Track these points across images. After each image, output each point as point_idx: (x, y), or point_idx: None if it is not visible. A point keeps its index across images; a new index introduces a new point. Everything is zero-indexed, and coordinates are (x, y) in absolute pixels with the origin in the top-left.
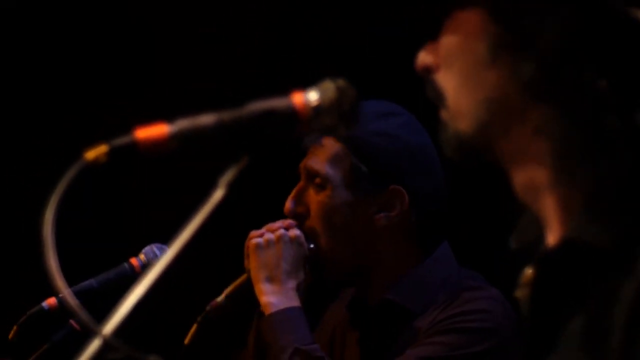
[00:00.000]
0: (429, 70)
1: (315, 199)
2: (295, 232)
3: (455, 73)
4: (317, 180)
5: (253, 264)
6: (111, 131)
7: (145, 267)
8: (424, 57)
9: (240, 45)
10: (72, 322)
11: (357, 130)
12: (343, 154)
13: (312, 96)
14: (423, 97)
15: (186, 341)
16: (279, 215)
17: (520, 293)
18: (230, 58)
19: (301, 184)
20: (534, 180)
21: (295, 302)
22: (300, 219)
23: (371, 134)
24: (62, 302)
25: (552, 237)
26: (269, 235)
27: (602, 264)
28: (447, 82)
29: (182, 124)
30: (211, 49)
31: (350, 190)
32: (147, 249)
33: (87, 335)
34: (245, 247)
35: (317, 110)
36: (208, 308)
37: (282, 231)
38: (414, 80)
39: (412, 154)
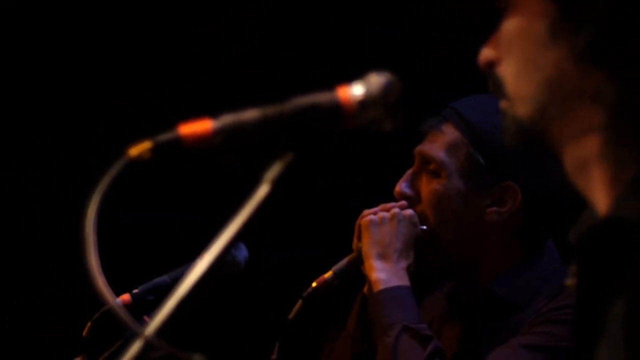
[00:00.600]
0: (492, 65)
1: (428, 185)
2: (409, 212)
3: (515, 59)
4: (432, 166)
5: (365, 240)
6: (111, 132)
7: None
8: (486, 53)
9: (240, 46)
10: (145, 318)
11: (477, 122)
12: (461, 143)
13: (358, 90)
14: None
15: (290, 316)
16: (389, 198)
17: (570, 282)
18: (231, 58)
19: (415, 168)
20: (585, 156)
21: (406, 281)
22: (411, 202)
23: (491, 127)
24: (136, 298)
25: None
26: (384, 213)
27: None
28: (508, 70)
29: (226, 119)
30: (212, 49)
31: (464, 181)
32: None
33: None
34: (356, 226)
35: (363, 104)
36: (315, 284)
37: (396, 210)
38: (414, 79)
39: (530, 154)
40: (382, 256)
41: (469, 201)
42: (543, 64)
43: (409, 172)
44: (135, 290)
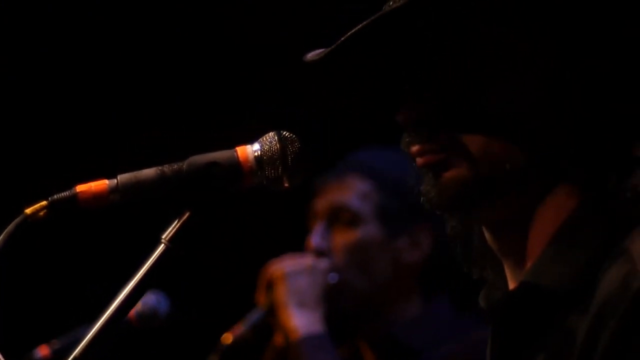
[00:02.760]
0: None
1: (342, 235)
2: (323, 262)
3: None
4: (346, 216)
5: (282, 290)
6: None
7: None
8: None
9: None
10: None
11: (386, 169)
12: (372, 191)
13: (256, 148)
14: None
15: None
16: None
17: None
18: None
19: (324, 220)
20: (517, 220)
21: (324, 329)
22: (323, 254)
23: (399, 172)
24: (56, 351)
25: (514, 284)
26: (300, 264)
27: (559, 306)
28: (476, 138)
29: (124, 177)
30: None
31: (380, 226)
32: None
33: None
34: (263, 279)
35: (261, 163)
36: (229, 339)
37: (312, 260)
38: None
39: None
40: (301, 305)
41: (385, 246)
42: (528, 133)
43: (319, 225)
44: (54, 342)
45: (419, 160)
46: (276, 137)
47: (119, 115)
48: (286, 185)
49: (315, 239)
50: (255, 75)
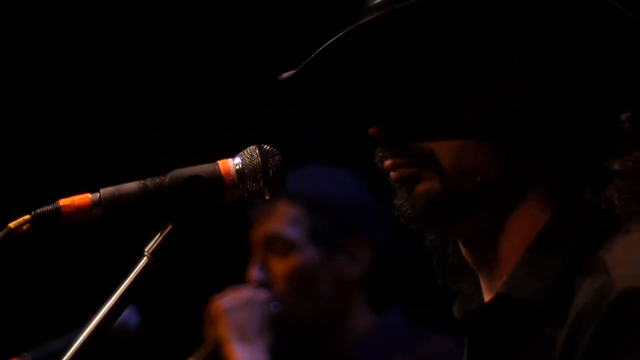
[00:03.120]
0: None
1: (279, 264)
2: (262, 295)
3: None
4: (279, 245)
5: (223, 326)
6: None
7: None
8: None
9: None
10: None
11: (311, 189)
12: (300, 214)
13: (237, 162)
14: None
15: None
16: (226, 284)
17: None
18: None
19: (259, 252)
20: (494, 231)
21: None
22: (266, 286)
23: (325, 190)
24: None
25: (489, 296)
26: (238, 299)
27: (534, 318)
28: (448, 149)
29: (106, 191)
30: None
31: (315, 248)
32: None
33: None
34: (208, 314)
35: (242, 176)
36: None
37: (251, 294)
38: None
39: (367, 205)
40: (243, 339)
41: (323, 267)
42: (498, 146)
43: (257, 256)
44: (25, 355)
45: (392, 175)
46: (257, 151)
47: (118, 115)
48: (267, 197)
49: (254, 270)
50: (256, 75)
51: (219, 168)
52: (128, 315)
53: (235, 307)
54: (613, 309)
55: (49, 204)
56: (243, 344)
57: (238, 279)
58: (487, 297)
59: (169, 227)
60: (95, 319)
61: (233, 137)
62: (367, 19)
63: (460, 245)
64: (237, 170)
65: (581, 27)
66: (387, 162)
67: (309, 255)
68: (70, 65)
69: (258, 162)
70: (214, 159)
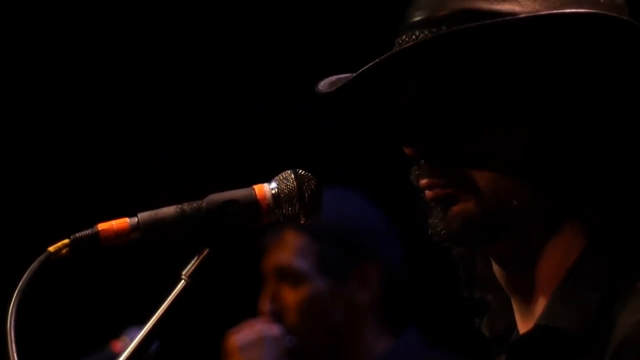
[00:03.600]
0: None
1: (290, 295)
2: (275, 330)
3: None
4: (290, 276)
5: None
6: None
7: None
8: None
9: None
10: None
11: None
12: (309, 243)
13: (273, 187)
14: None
15: None
16: (247, 314)
17: None
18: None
19: (271, 282)
20: (529, 257)
21: None
22: (278, 317)
23: (332, 217)
24: None
25: (524, 323)
26: (252, 334)
27: (574, 349)
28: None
29: (144, 215)
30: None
31: (325, 277)
32: (129, 331)
33: None
34: (224, 347)
35: (278, 200)
36: None
37: (264, 329)
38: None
39: (376, 228)
40: None
41: (334, 295)
42: (534, 171)
43: (268, 288)
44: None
45: (428, 194)
46: (293, 175)
47: (118, 115)
48: (302, 221)
49: (266, 302)
50: (255, 75)
51: (255, 192)
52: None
53: (250, 343)
54: None
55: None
56: None
57: (253, 309)
58: (520, 322)
59: (206, 251)
60: (134, 342)
61: (233, 137)
62: (411, 44)
63: (493, 263)
64: (273, 194)
65: (615, 58)
66: (423, 181)
67: (319, 285)
68: (69, 66)
69: (294, 187)
70: (216, 159)
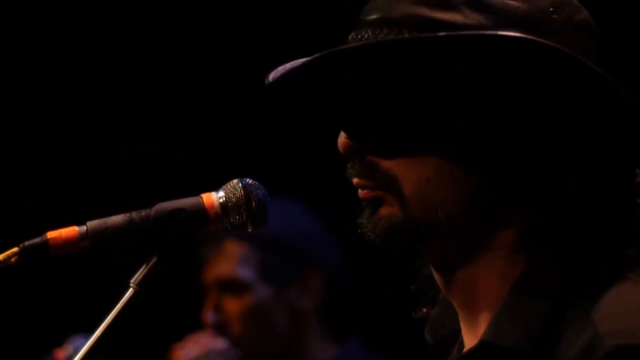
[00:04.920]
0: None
1: (233, 306)
2: (221, 344)
3: (431, 168)
4: (232, 286)
5: None
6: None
7: (70, 358)
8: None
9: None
10: None
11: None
12: (250, 252)
13: (220, 195)
14: None
15: None
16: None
17: None
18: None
19: (213, 294)
20: (473, 270)
21: None
22: (222, 328)
23: (273, 225)
24: None
25: (468, 333)
26: (197, 349)
27: None
28: (415, 175)
29: (93, 224)
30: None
31: (268, 284)
32: (72, 340)
33: None
34: None
35: (225, 209)
36: None
37: (209, 344)
38: None
39: (317, 236)
40: None
41: (277, 302)
42: (463, 180)
43: (210, 299)
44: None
45: (360, 192)
46: (240, 184)
47: (118, 116)
48: (250, 229)
49: (209, 314)
50: (256, 76)
51: (202, 201)
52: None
53: (195, 358)
54: None
55: (36, 226)
56: None
57: (195, 322)
58: (465, 331)
59: (154, 259)
60: (82, 351)
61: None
62: (349, 46)
63: (432, 269)
64: (220, 203)
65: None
66: (355, 180)
67: (262, 293)
68: (69, 66)
69: (241, 195)
70: (210, 162)
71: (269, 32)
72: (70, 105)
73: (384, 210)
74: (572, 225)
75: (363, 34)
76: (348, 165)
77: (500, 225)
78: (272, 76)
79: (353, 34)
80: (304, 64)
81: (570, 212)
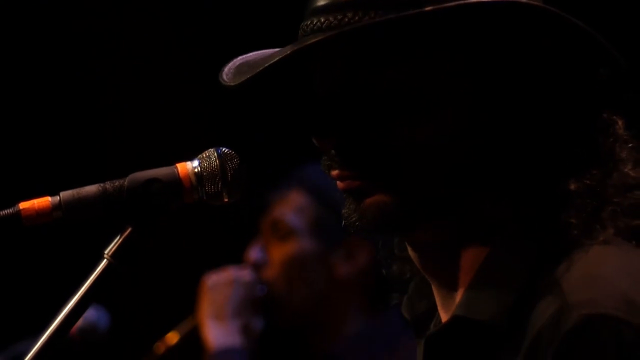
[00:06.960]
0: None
1: (278, 249)
2: (247, 275)
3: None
4: (281, 230)
5: (203, 303)
6: None
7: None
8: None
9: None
10: None
11: (323, 182)
12: (308, 205)
13: (195, 164)
14: None
15: None
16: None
17: None
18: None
19: (263, 236)
20: (449, 243)
21: (238, 342)
22: (260, 267)
23: (335, 185)
24: None
25: (444, 307)
26: (223, 277)
27: (491, 340)
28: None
29: (66, 194)
30: None
31: (315, 239)
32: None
33: None
34: (199, 291)
35: (200, 179)
36: (160, 348)
37: (233, 273)
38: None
39: None
40: (217, 317)
41: (319, 260)
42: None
43: (259, 239)
44: None
45: (340, 184)
46: (215, 154)
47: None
48: (225, 200)
49: (253, 251)
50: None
51: (177, 171)
52: (97, 316)
53: (217, 285)
54: (570, 337)
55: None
56: (217, 322)
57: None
58: (440, 306)
59: (128, 230)
60: (55, 321)
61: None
62: (315, 40)
63: (409, 249)
64: (195, 173)
65: (519, 42)
66: (334, 172)
67: (307, 245)
68: (68, 66)
69: (216, 165)
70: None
71: None
72: (45, 61)
73: (371, 199)
74: (542, 194)
75: (318, 22)
76: (323, 158)
77: (480, 207)
78: (230, 75)
79: (305, 24)
80: (281, 58)
81: (543, 181)
